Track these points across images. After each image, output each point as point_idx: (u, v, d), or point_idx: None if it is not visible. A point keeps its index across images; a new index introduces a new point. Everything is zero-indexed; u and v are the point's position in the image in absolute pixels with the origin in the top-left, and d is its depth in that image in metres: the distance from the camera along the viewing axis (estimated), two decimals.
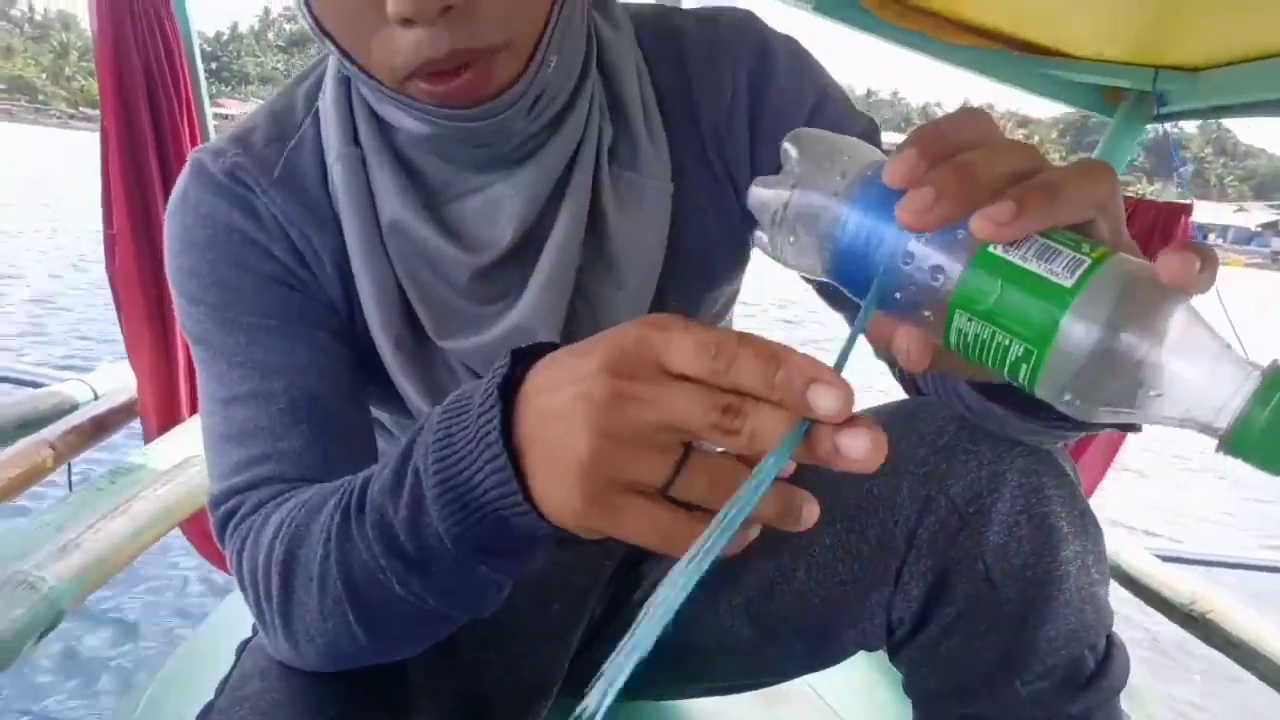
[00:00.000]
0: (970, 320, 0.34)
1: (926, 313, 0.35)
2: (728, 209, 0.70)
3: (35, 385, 1.67)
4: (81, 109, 73.04)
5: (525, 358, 0.41)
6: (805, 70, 0.68)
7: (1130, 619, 1.73)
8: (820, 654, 0.75)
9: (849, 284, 0.38)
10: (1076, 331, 0.31)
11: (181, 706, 1.03)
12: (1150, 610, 1.62)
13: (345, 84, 0.64)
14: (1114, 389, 0.32)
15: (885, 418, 0.67)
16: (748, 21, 0.70)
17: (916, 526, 0.64)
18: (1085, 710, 0.62)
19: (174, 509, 1.34)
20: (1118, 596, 1.74)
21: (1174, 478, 6.68)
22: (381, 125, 0.62)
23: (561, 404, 0.36)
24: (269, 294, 0.62)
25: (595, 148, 0.64)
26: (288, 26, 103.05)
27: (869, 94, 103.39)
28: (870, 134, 0.68)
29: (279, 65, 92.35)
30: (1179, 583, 1.60)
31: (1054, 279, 0.32)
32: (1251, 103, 1.61)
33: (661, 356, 0.34)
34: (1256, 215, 67.81)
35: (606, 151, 0.64)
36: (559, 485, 0.37)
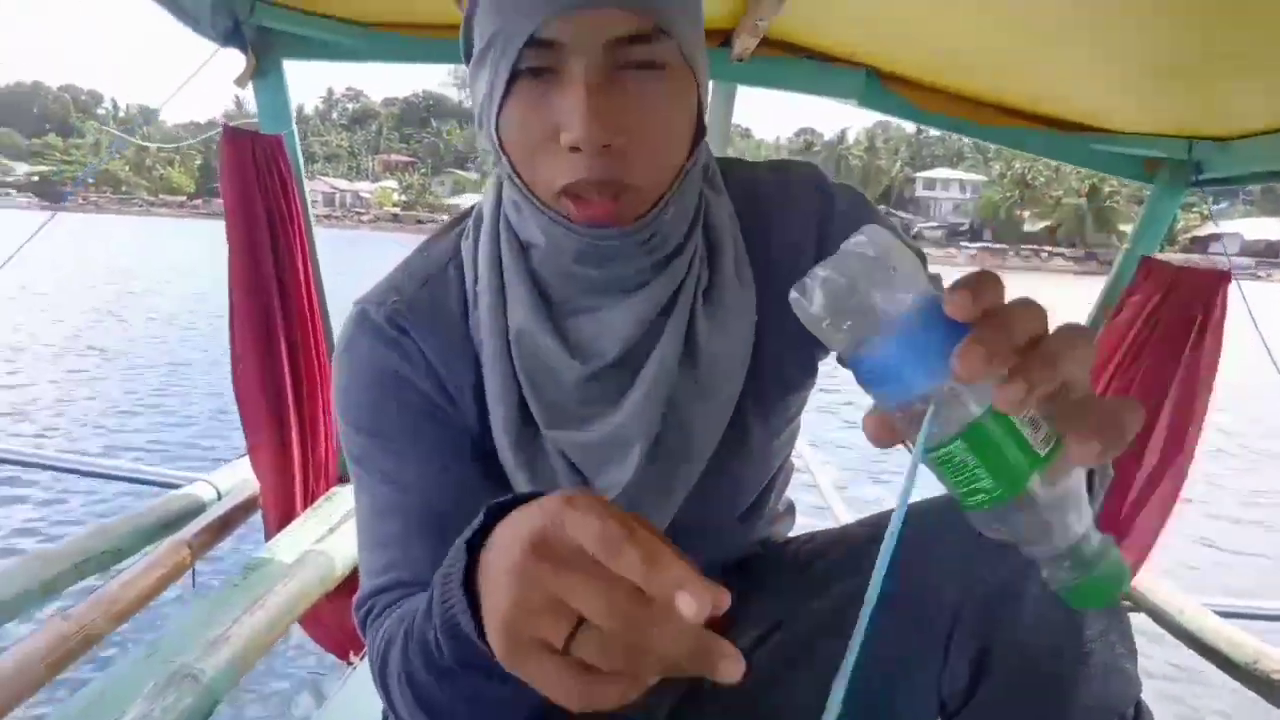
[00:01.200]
0: (965, 450, 0.44)
1: (916, 423, 0.44)
2: (800, 335, 0.81)
3: (166, 485, 1.85)
4: (161, 196, 76.93)
5: (500, 511, 0.50)
6: (859, 213, 0.81)
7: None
8: None
9: (867, 377, 0.46)
10: (1034, 488, 0.43)
11: None
12: None
13: (496, 225, 0.77)
14: (1031, 530, 0.45)
15: (933, 513, 0.78)
16: (812, 174, 0.83)
17: (959, 611, 0.73)
18: None
19: (299, 601, 1.49)
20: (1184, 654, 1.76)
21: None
22: (522, 251, 0.75)
23: (494, 568, 0.46)
24: (415, 425, 0.75)
25: (694, 287, 0.76)
26: (350, 106, 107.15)
27: (803, 134, 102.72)
28: (920, 262, 0.79)
29: (343, 143, 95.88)
30: (1243, 642, 1.63)
31: (1034, 446, 0.43)
32: None
33: (571, 539, 0.42)
34: None
35: (702, 292, 0.77)
36: (492, 631, 0.46)
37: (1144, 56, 1.47)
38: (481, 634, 0.48)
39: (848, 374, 0.50)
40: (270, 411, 1.73)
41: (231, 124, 1.67)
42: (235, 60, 1.71)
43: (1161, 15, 1.27)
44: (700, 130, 0.70)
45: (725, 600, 0.40)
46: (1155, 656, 3.00)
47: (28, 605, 1.31)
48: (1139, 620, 1.96)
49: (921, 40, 1.66)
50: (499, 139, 0.67)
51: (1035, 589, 0.70)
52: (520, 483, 0.78)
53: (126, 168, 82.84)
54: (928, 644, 0.75)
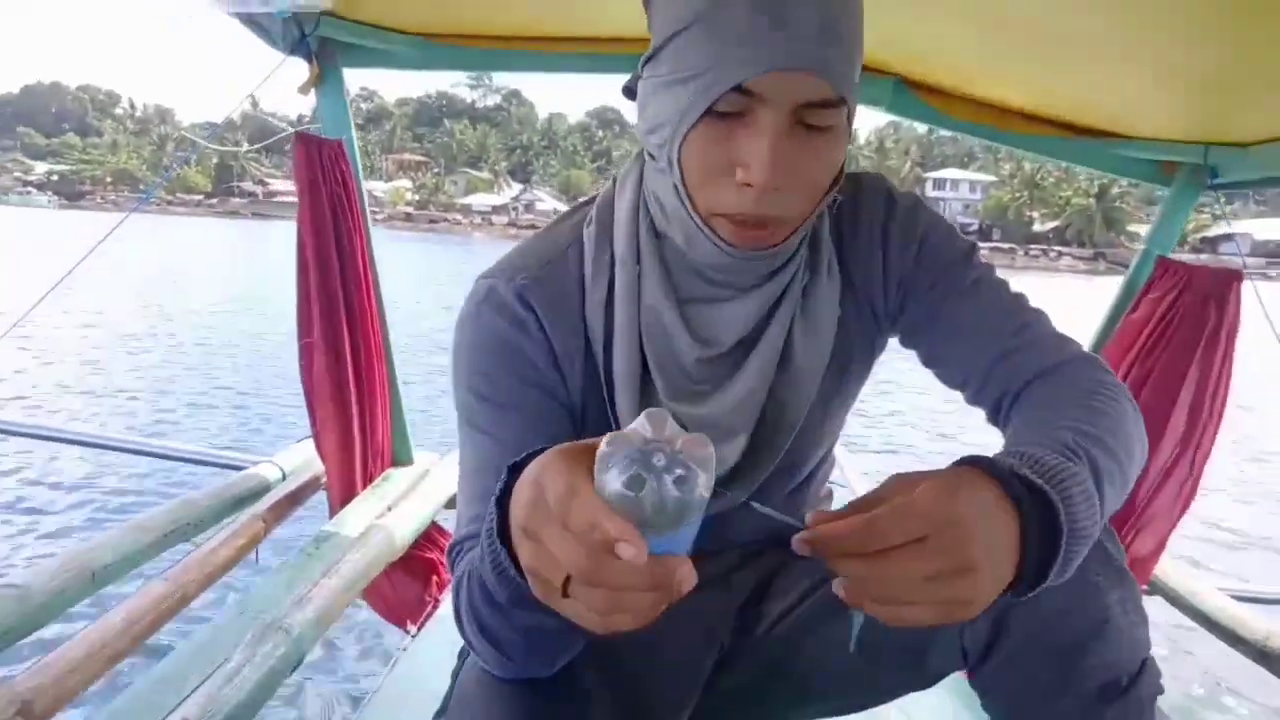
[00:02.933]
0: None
1: None
2: (865, 327, 0.94)
3: (234, 467, 1.97)
4: (179, 195, 77.50)
5: (519, 468, 0.58)
6: (915, 218, 0.92)
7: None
8: (914, 676, 0.93)
9: None
10: None
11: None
12: None
13: (635, 216, 0.87)
14: None
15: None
16: (878, 183, 0.95)
17: None
18: (1123, 714, 0.78)
19: (368, 570, 1.60)
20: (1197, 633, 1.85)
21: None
22: (658, 241, 0.86)
23: (514, 518, 0.55)
24: (524, 394, 0.85)
25: (798, 289, 0.88)
26: (364, 106, 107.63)
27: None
28: (969, 255, 0.92)
29: (358, 142, 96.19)
30: (1254, 620, 1.72)
31: None
32: None
33: (550, 504, 0.50)
34: None
35: (801, 291, 0.89)
36: (526, 573, 0.55)
37: (1164, 65, 1.55)
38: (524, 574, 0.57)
39: None
40: (335, 397, 1.84)
41: (301, 129, 1.79)
42: (262, 61, 1.82)
43: (1180, 25, 1.35)
44: (840, 172, 0.81)
45: (689, 579, 0.50)
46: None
47: (127, 568, 1.42)
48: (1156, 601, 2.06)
49: (948, 50, 1.75)
50: (679, 157, 0.76)
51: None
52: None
53: (144, 167, 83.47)
54: None
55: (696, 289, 0.86)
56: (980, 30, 1.57)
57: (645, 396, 0.87)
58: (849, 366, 0.95)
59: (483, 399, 0.85)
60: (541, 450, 0.56)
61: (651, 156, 0.82)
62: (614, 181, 0.91)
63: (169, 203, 74.40)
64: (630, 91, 0.85)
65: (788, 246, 0.83)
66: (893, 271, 0.92)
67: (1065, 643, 0.77)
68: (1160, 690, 0.81)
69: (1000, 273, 0.94)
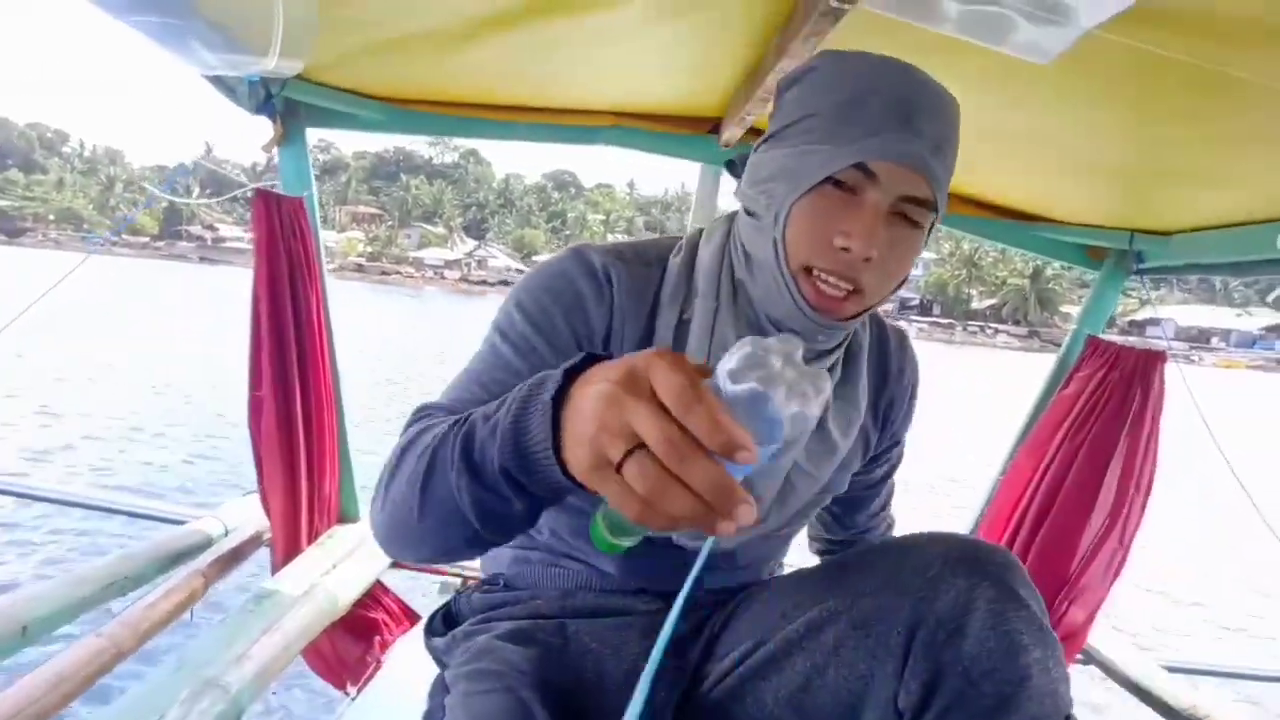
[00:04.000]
0: None
1: None
2: (868, 441, 1.11)
3: (175, 521, 1.94)
4: (124, 236, 76.03)
5: (585, 361, 0.62)
6: (917, 391, 1.15)
7: None
8: None
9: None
10: None
11: None
12: None
13: (719, 262, 0.96)
14: None
15: (892, 551, 0.94)
16: (910, 342, 1.14)
17: (913, 637, 0.85)
18: None
19: (309, 628, 1.58)
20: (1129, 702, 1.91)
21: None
22: (735, 289, 0.94)
23: (586, 399, 0.55)
24: (563, 337, 0.91)
25: (833, 381, 0.99)
26: (321, 157, 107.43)
27: (602, 187, 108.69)
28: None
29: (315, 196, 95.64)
30: (1182, 692, 1.78)
31: None
32: (1219, 264, 1.87)
33: (652, 383, 0.52)
34: (1260, 319, 67.88)
35: (836, 386, 1.01)
36: (576, 447, 0.56)
37: (1086, 159, 1.65)
38: (549, 444, 0.59)
39: None
40: (284, 451, 1.84)
41: (260, 186, 1.81)
42: (215, 105, 1.84)
43: (1099, 126, 1.45)
44: (906, 275, 0.92)
45: (748, 516, 0.51)
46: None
47: (61, 623, 1.39)
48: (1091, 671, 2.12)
49: None
50: (787, 216, 0.86)
51: (978, 618, 0.83)
52: None
53: (90, 206, 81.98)
54: (887, 666, 0.87)
55: None
56: None
57: None
58: (848, 465, 1.09)
59: (526, 316, 0.92)
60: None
61: (749, 213, 0.91)
62: (701, 230, 1.01)
63: (113, 244, 72.96)
64: (733, 166, 0.98)
65: (847, 328, 0.93)
66: (900, 422, 1.14)
67: (991, 702, 0.81)
68: None
69: (941, 348, 1.07)
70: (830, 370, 0.98)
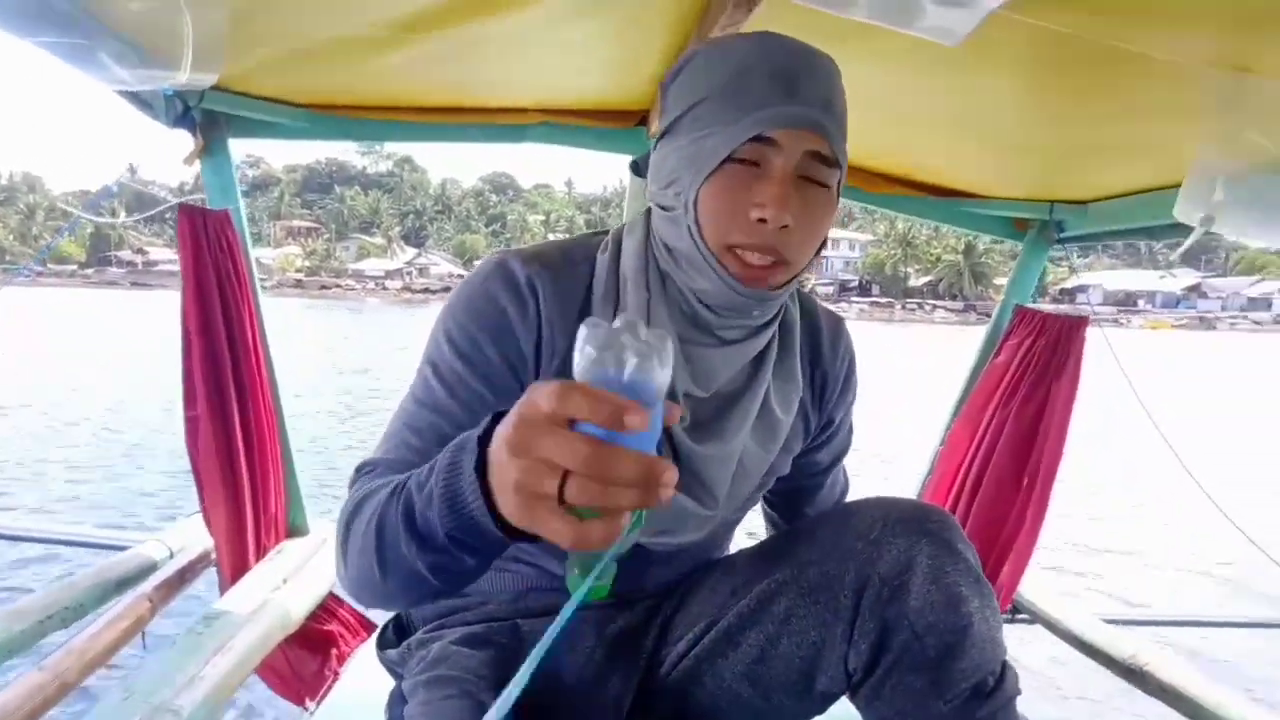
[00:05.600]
0: None
1: None
2: (808, 421, 1.12)
3: (117, 547, 1.90)
4: (50, 265, 73.69)
5: (492, 422, 0.64)
6: (855, 372, 1.17)
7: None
8: (802, 703, 0.99)
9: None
10: None
11: None
12: None
13: (644, 256, 0.97)
14: None
15: (837, 519, 0.98)
16: (846, 332, 1.16)
17: (859, 598, 0.89)
18: (991, 713, 0.87)
19: (262, 645, 1.56)
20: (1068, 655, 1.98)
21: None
22: (662, 280, 0.95)
23: (500, 455, 0.58)
24: (493, 364, 0.91)
25: (771, 359, 1.01)
26: (250, 172, 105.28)
27: (540, 187, 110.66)
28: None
29: (243, 209, 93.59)
30: (1121, 641, 1.85)
31: None
32: (1130, 229, 1.95)
33: (536, 409, 0.55)
34: (1183, 279, 70.47)
35: (774, 364, 1.02)
36: (504, 496, 0.58)
37: (1005, 136, 1.70)
38: (485, 509, 0.62)
39: None
40: (224, 469, 1.81)
41: (184, 201, 1.78)
42: (137, 125, 1.80)
43: (1016, 105, 1.50)
44: (825, 238, 0.94)
45: (671, 479, 0.55)
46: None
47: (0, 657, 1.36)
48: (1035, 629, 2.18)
49: None
50: (697, 199, 0.87)
51: (920, 574, 0.87)
52: None
53: (10, 236, 79.22)
54: (836, 629, 0.91)
55: (689, 332, 0.95)
56: None
57: None
58: (791, 445, 1.10)
59: (455, 350, 0.91)
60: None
61: (662, 208, 0.93)
62: (624, 226, 1.02)
63: (39, 274, 70.65)
64: (636, 166, 1.00)
65: (777, 300, 0.94)
66: (837, 398, 1.15)
67: (936, 652, 0.86)
68: (1019, 691, 0.90)
69: (881, 326, 1.13)
70: (767, 346, 1.00)
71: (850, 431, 1.21)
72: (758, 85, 0.85)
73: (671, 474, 0.54)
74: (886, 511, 0.93)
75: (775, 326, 1.01)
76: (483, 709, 0.86)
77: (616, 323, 0.56)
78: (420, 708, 0.91)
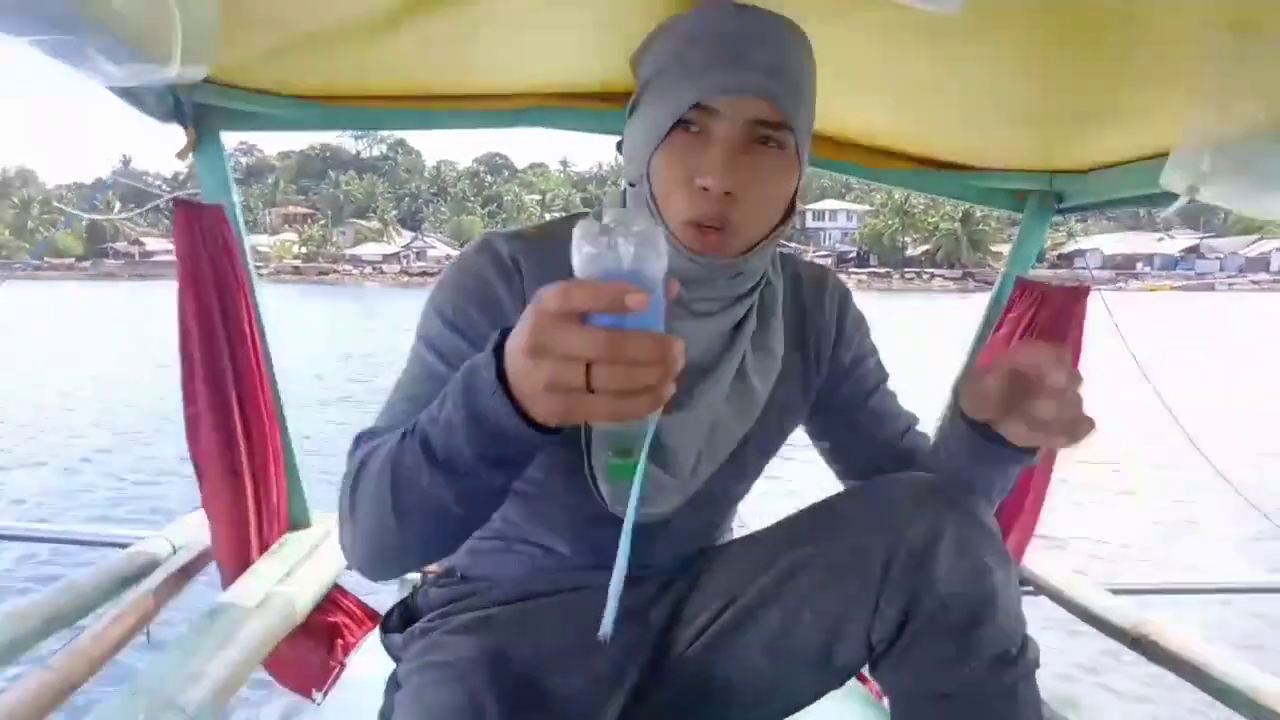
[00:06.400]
0: None
1: None
2: (807, 383, 1.11)
3: (119, 544, 1.89)
4: (47, 259, 73.55)
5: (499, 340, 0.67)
6: (863, 322, 1.16)
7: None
8: (819, 677, 0.99)
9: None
10: None
11: None
12: None
13: None
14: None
15: (862, 495, 0.99)
16: (840, 284, 1.15)
17: (887, 568, 0.89)
18: (1014, 679, 0.87)
19: (267, 639, 1.56)
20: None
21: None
22: None
23: (520, 361, 0.61)
24: (483, 334, 0.91)
25: (748, 330, 1.00)
26: (243, 160, 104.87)
27: (535, 166, 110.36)
28: (877, 353, 1.18)
29: (237, 197, 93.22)
30: (1125, 609, 1.85)
31: None
32: (1129, 197, 1.93)
33: (547, 311, 0.58)
34: (1182, 241, 70.41)
35: (752, 335, 1.01)
36: (536, 401, 0.62)
37: (1004, 103, 1.68)
38: (514, 413, 0.65)
39: None
40: (225, 464, 1.80)
41: (178, 195, 1.76)
42: (130, 118, 1.78)
43: (1016, 69, 1.48)
44: (792, 206, 0.94)
45: (682, 354, 0.59)
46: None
47: (5, 660, 1.35)
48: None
49: None
50: (649, 172, 0.89)
51: (947, 545, 0.87)
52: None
53: (7, 231, 79.04)
54: (861, 597, 0.91)
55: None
56: (835, 74, 1.67)
57: None
58: (785, 413, 1.09)
59: (447, 322, 0.94)
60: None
61: (631, 184, 0.94)
62: (603, 203, 1.02)
63: (37, 268, 70.59)
64: (621, 146, 0.99)
65: (745, 270, 0.94)
66: (845, 351, 1.13)
67: (961, 619, 0.86)
68: (1039, 663, 0.90)
69: (879, 295, 1.12)
70: (744, 319, 1.00)
71: (879, 365, 1.18)
72: (702, 53, 0.86)
73: (680, 346, 0.58)
74: (914, 486, 0.94)
75: (753, 298, 1.01)
76: (472, 694, 0.86)
77: (607, 219, 0.59)
78: (411, 692, 0.92)
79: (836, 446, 1.19)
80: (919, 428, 1.18)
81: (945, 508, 0.90)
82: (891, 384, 1.19)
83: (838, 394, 1.14)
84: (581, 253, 0.59)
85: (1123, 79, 1.41)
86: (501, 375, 0.65)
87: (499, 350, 0.66)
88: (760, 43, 0.86)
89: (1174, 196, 1.76)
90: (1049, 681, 0.92)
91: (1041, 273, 2.22)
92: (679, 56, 0.87)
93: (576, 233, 0.59)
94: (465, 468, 0.70)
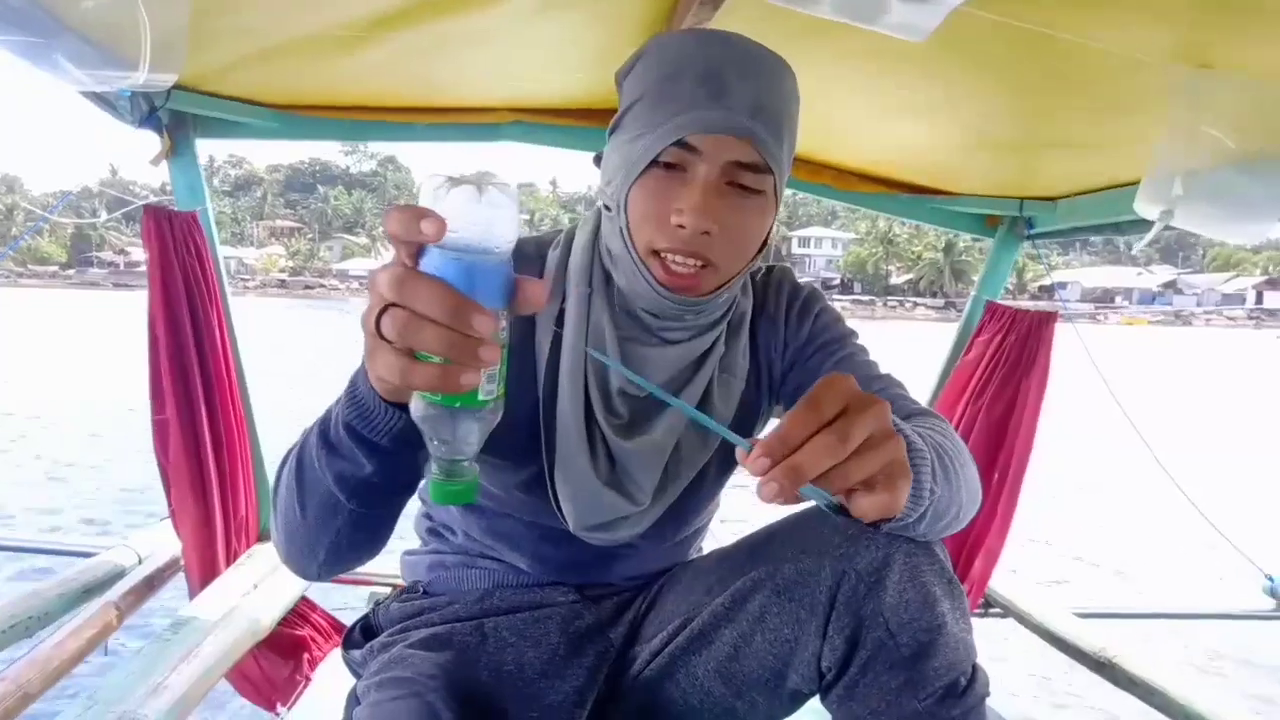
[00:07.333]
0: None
1: None
2: (762, 391, 1.09)
3: (83, 554, 1.87)
4: (30, 266, 72.97)
5: None
6: (812, 302, 1.09)
7: None
8: (773, 702, 0.98)
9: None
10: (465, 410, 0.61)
11: None
12: None
13: (591, 252, 0.97)
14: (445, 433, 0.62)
15: (811, 518, 0.96)
16: (786, 273, 1.12)
17: (835, 593, 0.89)
18: (964, 713, 0.85)
19: (231, 651, 1.55)
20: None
21: None
22: (605, 278, 0.97)
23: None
24: None
25: (716, 356, 1.00)
26: (232, 172, 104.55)
27: (524, 186, 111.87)
28: (848, 335, 1.07)
29: (226, 209, 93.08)
30: (1090, 634, 1.86)
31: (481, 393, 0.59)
32: (1098, 224, 1.96)
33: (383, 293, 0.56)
34: (1160, 276, 71.27)
35: (719, 358, 1.01)
36: (371, 360, 0.59)
37: (976, 131, 1.70)
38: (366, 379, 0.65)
39: None
40: (193, 473, 1.79)
41: (151, 203, 1.76)
42: (116, 127, 1.77)
43: (987, 99, 1.51)
44: (766, 241, 0.93)
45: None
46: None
47: None
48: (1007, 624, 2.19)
49: None
50: (626, 201, 0.88)
51: (896, 573, 0.86)
52: (570, 429, 0.95)
53: None
54: (810, 625, 0.90)
55: (631, 330, 0.96)
56: (809, 97, 1.69)
57: (588, 411, 0.96)
58: (743, 432, 1.06)
59: None
60: None
61: (606, 208, 0.93)
62: (576, 224, 1.03)
63: (19, 275, 70.02)
64: (599, 160, 0.98)
65: (713, 304, 0.94)
66: (790, 342, 1.08)
67: (911, 650, 0.85)
68: (989, 692, 0.89)
69: (862, 323, 1.09)
70: (712, 346, 1.00)
71: (840, 338, 1.07)
72: (685, 88, 0.84)
73: (484, 321, 0.54)
74: None
75: (722, 326, 1.01)
76: (429, 708, 0.86)
77: (448, 178, 0.57)
78: (368, 709, 0.90)
79: None
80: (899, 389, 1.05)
81: (896, 535, 0.88)
82: (869, 359, 1.06)
83: (794, 375, 1.08)
84: (423, 198, 0.57)
85: (1092, 110, 1.44)
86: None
87: None
88: (745, 77, 0.85)
89: (1142, 225, 1.80)
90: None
91: (1023, 303, 2.24)
92: (662, 87, 0.86)
93: (426, 190, 0.57)
94: (341, 444, 0.70)
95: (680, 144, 0.84)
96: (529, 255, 1.00)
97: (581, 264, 0.97)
